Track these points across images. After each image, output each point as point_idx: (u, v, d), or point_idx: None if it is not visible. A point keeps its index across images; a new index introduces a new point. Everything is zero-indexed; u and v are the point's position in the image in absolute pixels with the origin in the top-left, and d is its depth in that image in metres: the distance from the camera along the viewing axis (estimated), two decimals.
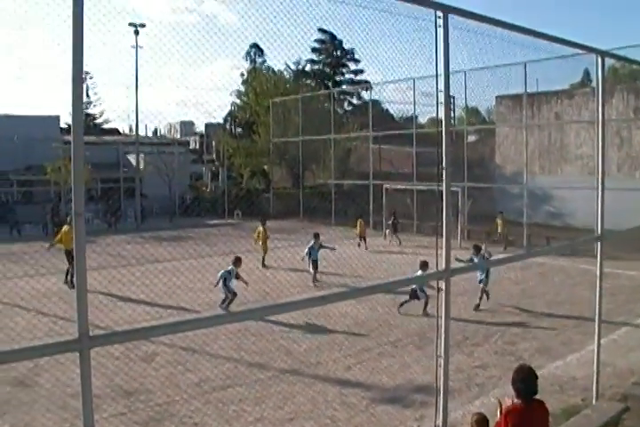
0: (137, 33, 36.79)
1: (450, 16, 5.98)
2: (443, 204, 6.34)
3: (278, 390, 9.96)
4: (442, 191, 6.25)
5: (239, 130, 51.35)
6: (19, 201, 35.99)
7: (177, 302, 15.60)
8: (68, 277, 17.73)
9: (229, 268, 15.42)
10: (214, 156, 50.18)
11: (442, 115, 6.24)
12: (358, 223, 26.49)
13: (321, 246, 19.25)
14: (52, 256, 18.12)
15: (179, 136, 64.68)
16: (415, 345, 12.20)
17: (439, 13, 5.92)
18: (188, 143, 56.55)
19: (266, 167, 43.13)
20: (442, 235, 6.34)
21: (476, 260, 15.08)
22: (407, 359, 11.40)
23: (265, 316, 11.24)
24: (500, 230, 25.34)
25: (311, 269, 18.62)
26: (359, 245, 25.87)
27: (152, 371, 10.88)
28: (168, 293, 16.03)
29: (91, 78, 65.98)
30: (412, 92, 30.88)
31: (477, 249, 15.65)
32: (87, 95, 67.77)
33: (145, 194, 38.79)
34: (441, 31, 5.97)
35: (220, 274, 15.20)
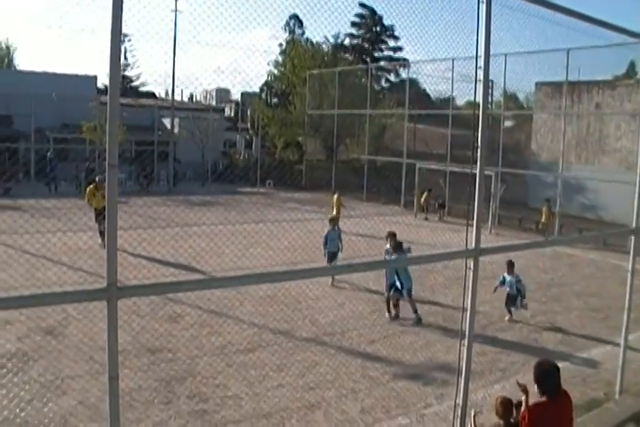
0: None
1: None
2: (476, 185, 6.34)
3: (301, 359, 10.04)
4: (475, 173, 6.25)
5: (275, 100, 51.23)
6: (54, 158, 36.28)
7: (203, 266, 15.66)
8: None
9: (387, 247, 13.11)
10: (249, 124, 50.15)
11: (480, 94, 6.17)
12: (425, 195, 27.91)
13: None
14: (84, 214, 18.33)
15: (214, 103, 64.64)
16: (440, 324, 12.20)
17: None
18: (224, 110, 56.52)
19: (300, 139, 43.05)
20: (473, 214, 6.37)
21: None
22: (431, 338, 11.41)
23: (283, 281, 11.36)
24: (543, 220, 24.13)
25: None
26: (426, 218, 27.45)
27: (177, 331, 11.04)
28: (195, 256, 16.14)
29: (129, 41, 66.13)
30: (450, 74, 30.40)
31: (397, 244, 12.83)
32: (125, 58, 67.94)
33: (178, 158, 38.99)
34: (483, 7, 5.89)
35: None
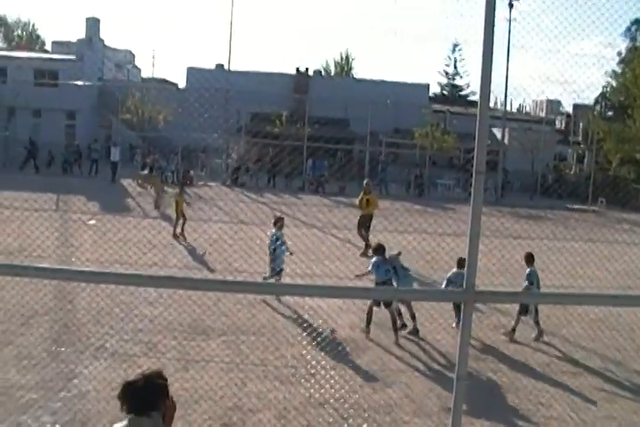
0: (511, 6, 36.37)
1: None
2: None
3: (632, 393, 9.24)
4: None
5: (610, 113, 48.33)
6: (385, 161, 38.36)
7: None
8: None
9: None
10: (580, 138, 48.05)
11: None
12: None
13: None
14: (410, 215, 18.94)
15: (543, 114, 63.19)
16: None
17: None
18: (554, 123, 54.94)
19: (638, 156, 40.02)
20: None
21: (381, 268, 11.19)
22: None
23: None
24: None
25: None
26: None
27: (500, 342, 10.97)
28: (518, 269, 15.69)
29: (459, 50, 67.64)
30: None
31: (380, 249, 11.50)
32: (455, 67, 69.56)
33: (507, 169, 38.72)
34: None
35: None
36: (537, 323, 11.21)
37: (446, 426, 7.53)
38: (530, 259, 11.52)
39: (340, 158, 36.64)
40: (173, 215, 18.88)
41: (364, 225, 18.45)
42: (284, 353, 9.71)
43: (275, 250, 12.60)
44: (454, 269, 11.43)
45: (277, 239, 12.63)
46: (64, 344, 9.25)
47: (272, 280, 12.18)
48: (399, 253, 11.83)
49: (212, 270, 14.48)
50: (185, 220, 18.42)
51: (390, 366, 9.58)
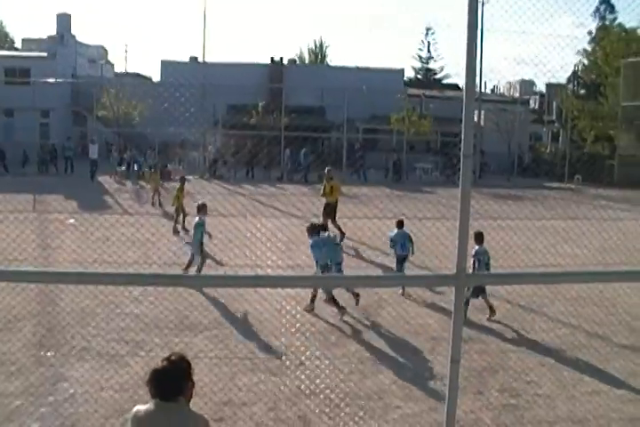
0: None
1: None
2: None
3: (618, 366, 9.35)
4: None
5: (583, 91, 48.74)
6: (363, 147, 38.29)
7: (516, 261, 14.98)
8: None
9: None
10: (554, 117, 48.37)
11: None
12: None
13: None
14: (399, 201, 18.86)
15: (517, 95, 63.54)
16: None
17: None
18: (528, 103, 55.20)
19: (612, 132, 40.42)
20: None
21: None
22: None
23: None
24: None
25: None
26: None
27: (487, 323, 11.05)
28: (507, 250, 15.67)
29: (432, 34, 67.78)
30: None
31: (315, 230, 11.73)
32: (428, 51, 69.70)
33: (483, 150, 38.89)
34: None
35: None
36: (466, 302, 10.66)
37: (437, 409, 7.58)
38: (479, 237, 11.18)
39: (320, 147, 36.62)
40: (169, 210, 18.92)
41: (331, 213, 17.98)
42: (271, 344, 9.68)
43: (201, 235, 13.08)
44: (395, 230, 12.83)
45: (202, 224, 13.23)
46: (49, 348, 9.14)
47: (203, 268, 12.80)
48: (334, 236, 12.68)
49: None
50: (185, 214, 18.45)
51: (379, 353, 9.60)
